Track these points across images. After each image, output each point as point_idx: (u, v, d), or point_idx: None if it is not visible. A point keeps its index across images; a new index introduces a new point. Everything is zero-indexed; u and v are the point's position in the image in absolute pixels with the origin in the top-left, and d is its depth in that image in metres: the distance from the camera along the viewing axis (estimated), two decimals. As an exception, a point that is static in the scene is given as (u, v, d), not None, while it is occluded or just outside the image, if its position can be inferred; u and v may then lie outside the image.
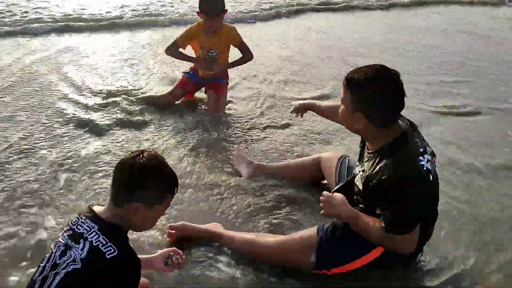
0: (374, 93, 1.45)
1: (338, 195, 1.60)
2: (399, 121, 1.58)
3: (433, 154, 1.58)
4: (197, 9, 2.95)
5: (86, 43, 4.42)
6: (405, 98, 1.51)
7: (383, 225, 1.53)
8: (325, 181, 2.28)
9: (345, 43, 5.09)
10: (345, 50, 4.82)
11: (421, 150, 1.50)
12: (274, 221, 2.09)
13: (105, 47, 4.37)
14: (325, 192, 1.62)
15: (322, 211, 1.61)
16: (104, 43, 4.51)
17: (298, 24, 5.75)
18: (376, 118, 1.50)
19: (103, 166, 2.43)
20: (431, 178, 1.50)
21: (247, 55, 3.19)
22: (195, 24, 3.10)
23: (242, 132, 3.01)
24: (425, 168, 1.46)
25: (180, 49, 3.14)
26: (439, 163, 1.88)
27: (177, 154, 2.63)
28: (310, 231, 1.75)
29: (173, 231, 1.91)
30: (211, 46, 3.07)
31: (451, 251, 1.96)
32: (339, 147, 2.82)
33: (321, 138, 2.99)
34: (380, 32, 5.60)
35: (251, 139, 2.91)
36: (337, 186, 1.87)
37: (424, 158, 1.47)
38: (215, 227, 1.98)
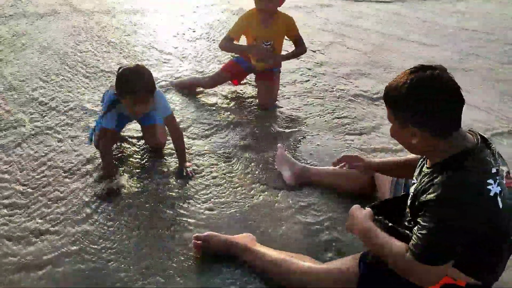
0: (416, 97, 1.22)
1: (366, 210, 1.46)
2: (467, 134, 1.28)
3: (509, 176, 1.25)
4: None
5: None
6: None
7: (410, 246, 1.23)
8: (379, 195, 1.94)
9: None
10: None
11: (493, 170, 1.19)
12: (311, 241, 1.80)
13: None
14: (355, 205, 1.50)
15: (346, 223, 1.52)
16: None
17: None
18: (430, 124, 1.23)
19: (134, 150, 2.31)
20: (500, 206, 1.16)
21: (302, 48, 2.93)
22: (246, 13, 2.83)
23: (292, 127, 2.73)
24: (492, 193, 1.16)
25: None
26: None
27: (214, 149, 2.42)
28: (351, 262, 1.46)
29: (199, 242, 1.72)
30: (267, 36, 2.80)
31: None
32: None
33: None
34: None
35: (300, 137, 2.62)
36: (374, 203, 1.56)
37: (495, 180, 1.17)
38: (245, 238, 1.75)
